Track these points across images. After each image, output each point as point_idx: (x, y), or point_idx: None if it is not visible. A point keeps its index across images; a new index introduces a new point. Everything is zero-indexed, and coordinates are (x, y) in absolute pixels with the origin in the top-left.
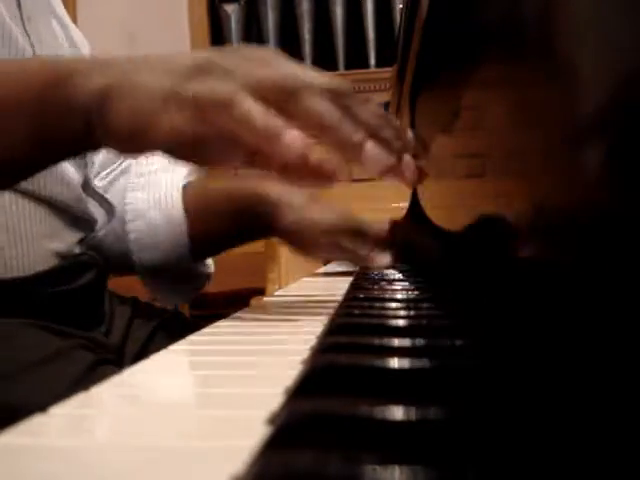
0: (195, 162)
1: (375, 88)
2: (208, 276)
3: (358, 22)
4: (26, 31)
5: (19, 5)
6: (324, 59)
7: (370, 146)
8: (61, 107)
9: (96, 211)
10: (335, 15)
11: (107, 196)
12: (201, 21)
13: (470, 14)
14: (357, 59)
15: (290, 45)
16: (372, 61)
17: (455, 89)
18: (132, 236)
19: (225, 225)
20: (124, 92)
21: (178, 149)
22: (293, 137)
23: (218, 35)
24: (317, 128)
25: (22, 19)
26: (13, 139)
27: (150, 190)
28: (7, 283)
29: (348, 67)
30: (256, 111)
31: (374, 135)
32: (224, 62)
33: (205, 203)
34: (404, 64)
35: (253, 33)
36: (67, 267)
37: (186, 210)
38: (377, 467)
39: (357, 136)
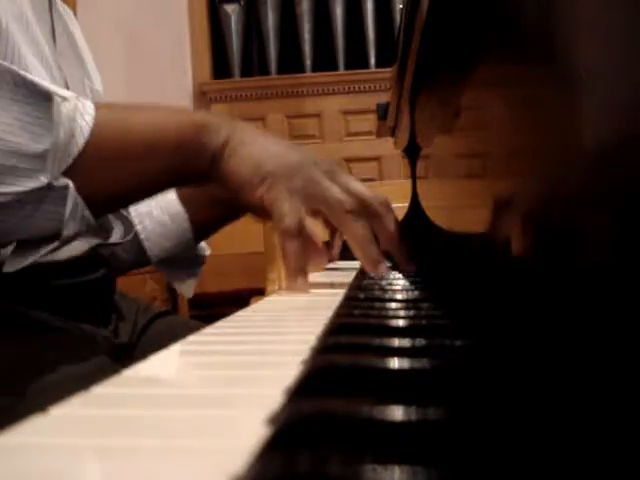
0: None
1: (375, 88)
2: (205, 258)
3: (358, 22)
4: (59, 65)
5: (54, 40)
6: (324, 59)
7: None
8: (197, 151)
9: (116, 226)
10: (335, 15)
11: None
12: (201, 21)
13: (470, 14)
14: (357, 59)
15: (290, 45)
16: (372, 61)
17: (455, 89)
18: (144, 236)
19: (218, 208)
20: (237, 152)
21: (254, 208)
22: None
23: (218, 35)
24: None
25: (55, 54)
26: (158, 172)
27: None
28: (23, 269)
29: (348, 67)
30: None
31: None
32: (312, 169)
33: (197, 193)
34: (404, 64)
35: (253, 33)
36: (79, 262)
37: (182, 202)
38: (377, 467)
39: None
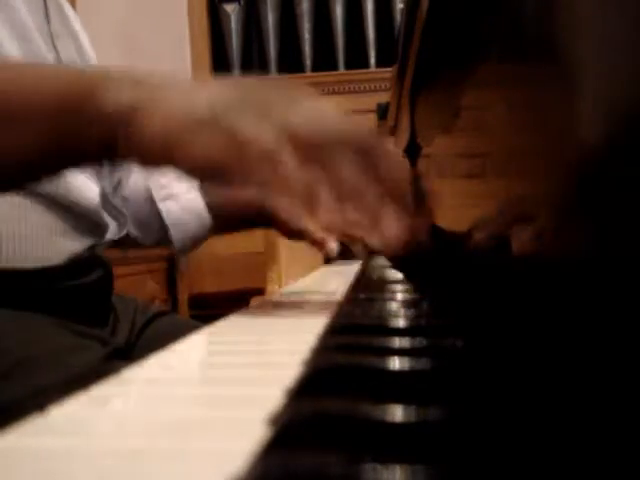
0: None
1: (375, 88)
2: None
3: (358, 22)
4: (55, 48)
5: (48, 22)
6: (324, 59)
7: (388, 223)
8: (87, 117)
9: (110, 223)
10: (335, 15)
11: (123, 209)
12: (201, 21)
13: (470, 14)
14: (357, 59)
15: (290, 45)
16: (372, 61)
17: (455, 89)
18: (166, 215)
19: (235, 223)
20: (157, 107)
21: (201, 171)
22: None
23: (218, 35)
24: (343, 190)
25: (51, 36)
26: (33, 142)
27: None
28: (22, 274)
29: (348, 67)
30: (296, 173)
31: (393, 193)
32: (259, 98)
33: (218, 206)
34: (404, 64)
35: (253, 33)
36: (77, 264)
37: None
38: (377, 467)
39: (375, 209)
